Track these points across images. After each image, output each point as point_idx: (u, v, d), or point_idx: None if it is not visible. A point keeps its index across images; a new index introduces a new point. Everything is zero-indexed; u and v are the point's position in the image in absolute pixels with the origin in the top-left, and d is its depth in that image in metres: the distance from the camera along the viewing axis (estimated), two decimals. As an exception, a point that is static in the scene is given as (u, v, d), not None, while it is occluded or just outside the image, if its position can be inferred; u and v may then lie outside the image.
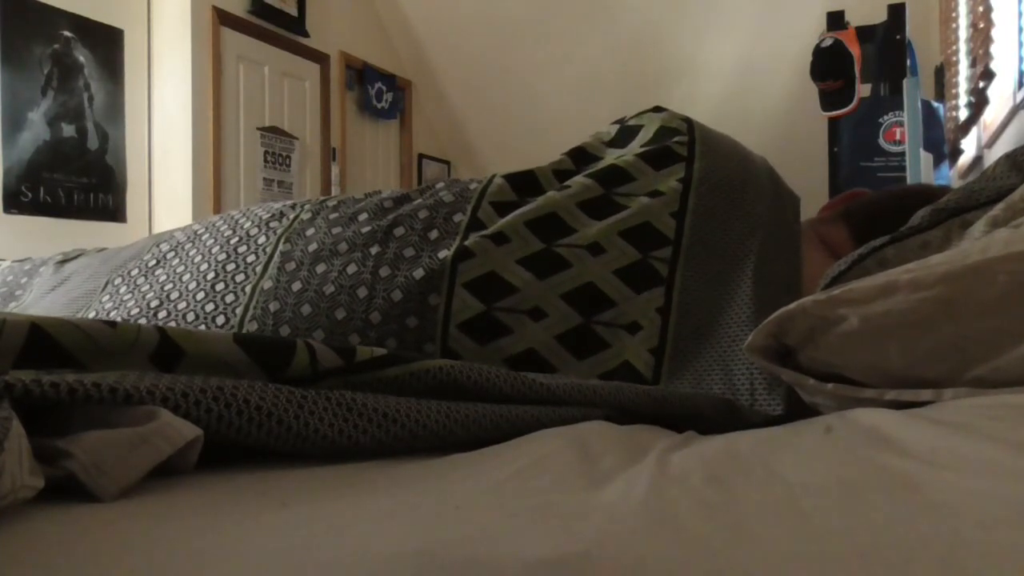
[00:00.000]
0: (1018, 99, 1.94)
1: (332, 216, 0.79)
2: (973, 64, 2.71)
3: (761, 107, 4.01)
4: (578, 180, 0.76)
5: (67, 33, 3.10)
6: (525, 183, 0.77)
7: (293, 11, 3.93)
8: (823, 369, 0.55)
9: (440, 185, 0.81)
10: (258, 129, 3.77)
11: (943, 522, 0.28)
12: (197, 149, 3.39)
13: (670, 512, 0.31)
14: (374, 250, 0.72)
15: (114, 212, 3.28)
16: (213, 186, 3.47)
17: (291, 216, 0.81)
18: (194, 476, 0.36)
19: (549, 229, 0.71)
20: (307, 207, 0.82)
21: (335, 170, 4.26)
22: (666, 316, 0.68)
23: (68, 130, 3.10)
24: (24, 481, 0.29)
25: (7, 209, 2.87)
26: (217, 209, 3.47)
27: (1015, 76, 2.01)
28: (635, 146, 0.81)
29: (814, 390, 0.54)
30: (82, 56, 3.15)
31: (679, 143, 0.78)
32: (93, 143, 3.19)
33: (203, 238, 0.83)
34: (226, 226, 0.84)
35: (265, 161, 3.81)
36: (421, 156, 5.09)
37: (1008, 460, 0.32)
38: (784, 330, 0.55)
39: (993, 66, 2.34)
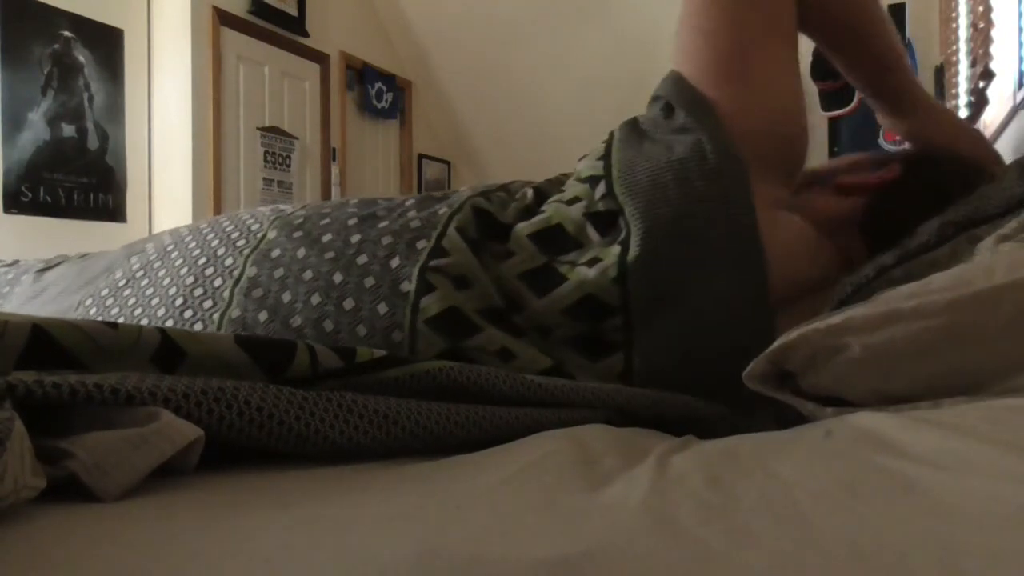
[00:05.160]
0: (1018, 99, 1.94)
1: (296, 235, 0.74)
2: (973, 64, 2.71)
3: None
4: (523, 243, 0.69)
5: (67, 33, 3.10)
6: (489, 226, 0.71)
7: (293, 11, 3.93)
8: (824, 394, 0.55)
9: (410, 203, 0.76)
10: (258, 129, 3.77)
11: (942, 524, 0.28)
12: (197, 149, 3.39)
13: (670, 513, 0.31)
14: (337, 279, 0.68)
15: (114, 212, 3.28)
16: (213, 186, 3.47)
17: (258, 235, 0.77)
18: (195, 477, 0.36)
19: (503, 300, 0.67)
20: (274, 223, 0.77)
21: (335, 170, 4.27)
22: (627, 381, 0.65)
23: (68, 130, 3.10)
24: (26, 481, 0.29)
25: (7, 209, 2.87)
26: (217, 209, 3.47)
27: (1015, 76, 2.01)
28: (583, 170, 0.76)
29: (813, 414, 0.54)
30: (82, 56, 3.15)
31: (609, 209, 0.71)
32: (93, 143, 3.19)
33: (172, 256, 0.79)
34: (194, 243, 0.80)
35: (265, 161, 3.81)
36: (421, 156, 5.10)
37: (1008, 462, 0.32)
38: (785, 357, 0.54)
39: (993, 66, 2.34)
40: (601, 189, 0.71)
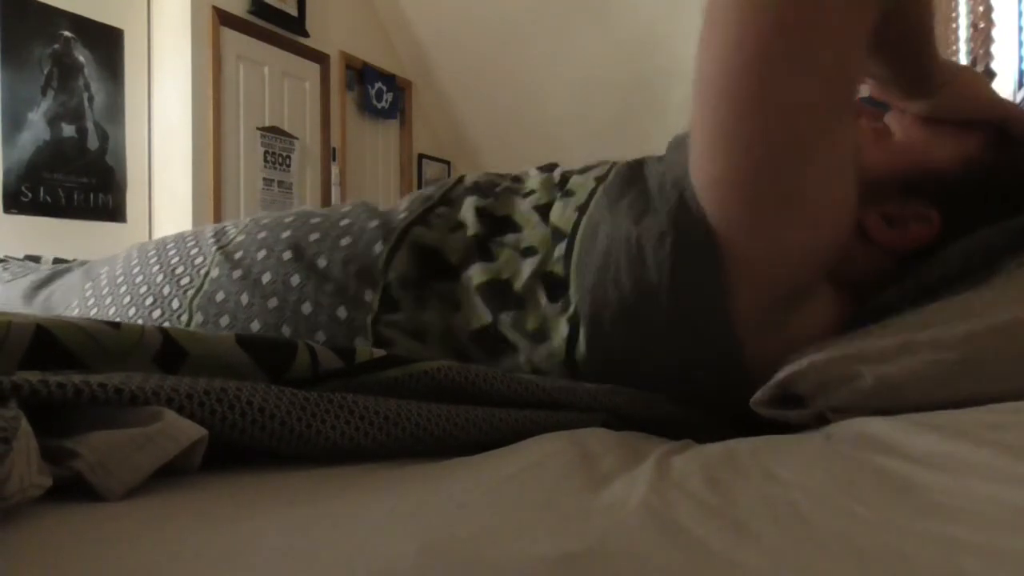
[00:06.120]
0: (1018, 99, 1.94)
1: (236, 275, 0.69)
2: (973, 64, 2.71)
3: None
4: (472, 298, 0.64)
5: (67, 33, 3.10)
6: (434, 260, 0.66)
7: (293, 11, 3.92)
8: (832, 416, 0.54)
9: (345, 223, 0.69)
10: (258, 129, 3.77)
11: (941, 525, 0.28)
12: (197, 149, 3.38)
13: (670, 513, 0.31)
14: (286, 331, 0.65)
15: (114, 212, 3.28)
16: (213, 186, 3.47)
17: (201, 271, 0.72)
18: (199, 476, 0.36)
19: (456, 357, 0.63)
20: (215, 256, 0.72)
21: (335, 170, 4.26)
22: None
23: (68, 130, 3.09)
24: (32, 480, 0.29)
25: (7, 209, 2.87)
26: (217, 209, 3.47)
27: (1015, 76, 2.01)
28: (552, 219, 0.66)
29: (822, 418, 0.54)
30: (82, 56, 3.15)
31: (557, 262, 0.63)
32: (93, 143, 3.19)
33: (120, 291, 0.75)
34: (141, 276, 0.75)
35: (265, 161, 3.81)
36: (421, 156, 5.09)
37: (1007, 465, 0.33)
38: (793, 382, 0.53)
39: (993, 66, 2.34)
40: (561, 249, 0.63)
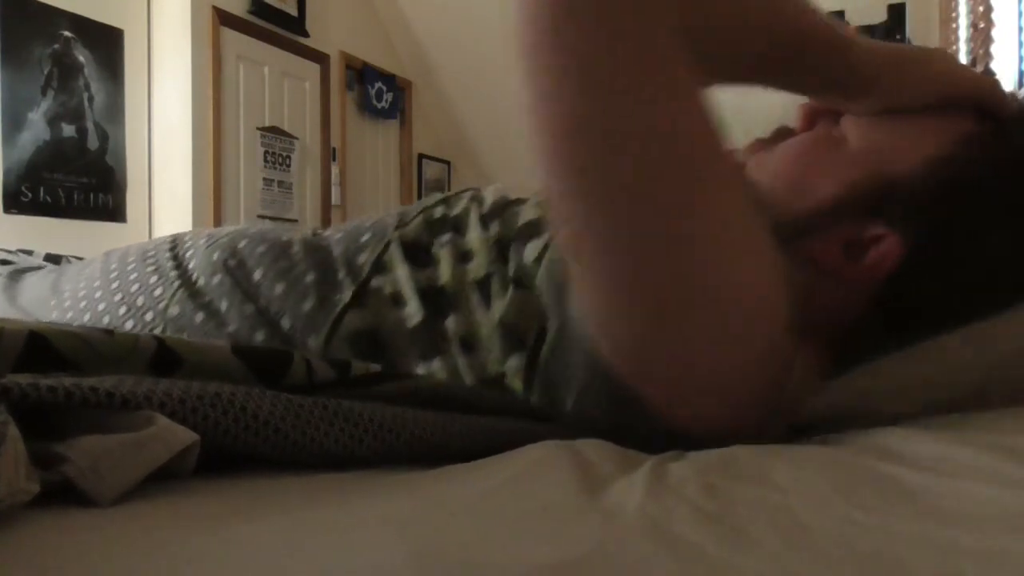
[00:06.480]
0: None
1: (199, 319, 0.64)
2: (973, 64, 2.71)
3: (760, 106, 3.99)
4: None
5: (67, 33, 3.10)
6: (371, 343, 0.59)
7: (293, 11, 3.93)
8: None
9: (280, 290, 0.64)
10: (258, 129, 3.77)
11: (940, 529, 0.28)
12: (197, 149, 3.39)
13: (666, 519, 0.31)
14: None
15: (114, 212, 3.28)
16: (213, 186, 3.47)
17: (159, 306, 0.66)
18: (192, 481, 0.36)
19: None
20: (176, 293, 0.67)
21: (335, 170, 4.27)
22: None
23: (68, 130, 3.10)
24: (20, 485, 0.29)
25: (7, 209, 2.87)
26: (217, 209, 3.47)
27: (1015, 76, 2.01)
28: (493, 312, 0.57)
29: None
30: (82, 56, 3.15)
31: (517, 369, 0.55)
32: (93, 143, 3.19)
33: (84, 318, 0.71)
34: (103, 304, 0.70)
35: (265, 161, 3.81)
36: (421, 156, 5.10)
37: (1006, 468, 0.32)
38: (801, 416, 0.52)
39: (993, 66, 2.34)
40: (518, 362, 0.55)
